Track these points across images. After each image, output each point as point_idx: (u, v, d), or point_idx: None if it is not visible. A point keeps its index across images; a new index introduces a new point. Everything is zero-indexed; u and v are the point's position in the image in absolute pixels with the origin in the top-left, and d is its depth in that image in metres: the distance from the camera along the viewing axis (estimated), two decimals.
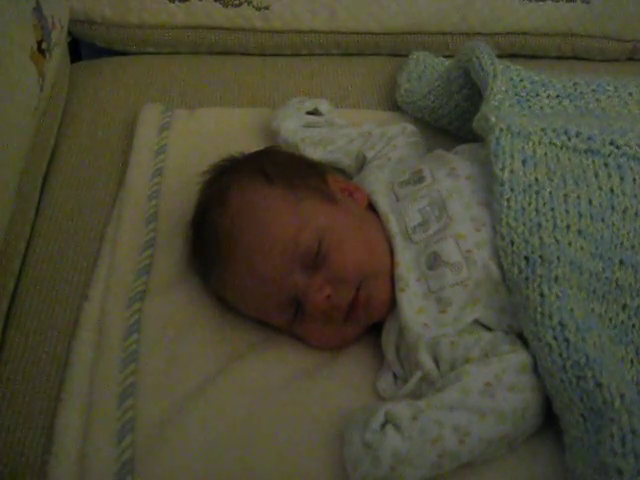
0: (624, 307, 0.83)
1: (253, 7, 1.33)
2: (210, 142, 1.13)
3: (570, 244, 0.82)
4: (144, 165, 1.11)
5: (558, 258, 0.80)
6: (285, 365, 0.88)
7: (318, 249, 0.86)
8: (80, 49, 1.45)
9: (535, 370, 0.79)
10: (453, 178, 0.93)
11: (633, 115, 1.02)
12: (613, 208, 0.86)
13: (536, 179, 0.87)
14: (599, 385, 0.72)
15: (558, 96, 1.03)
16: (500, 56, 1.04)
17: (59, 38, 1.15)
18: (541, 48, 1.38)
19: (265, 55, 1.37)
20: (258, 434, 0.81)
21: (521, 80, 1.02)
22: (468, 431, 0.74)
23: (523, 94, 1.01)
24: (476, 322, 0.84)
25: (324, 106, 1.17)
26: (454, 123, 1.13)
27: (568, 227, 0.83)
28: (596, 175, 0.88)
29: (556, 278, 0.79)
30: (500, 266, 0.84)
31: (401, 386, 0.83)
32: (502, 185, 0.86)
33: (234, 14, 1.33)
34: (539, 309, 0.78)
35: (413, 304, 0.86)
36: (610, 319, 0.82)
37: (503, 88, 0.97)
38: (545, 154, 0.89)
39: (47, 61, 1.08)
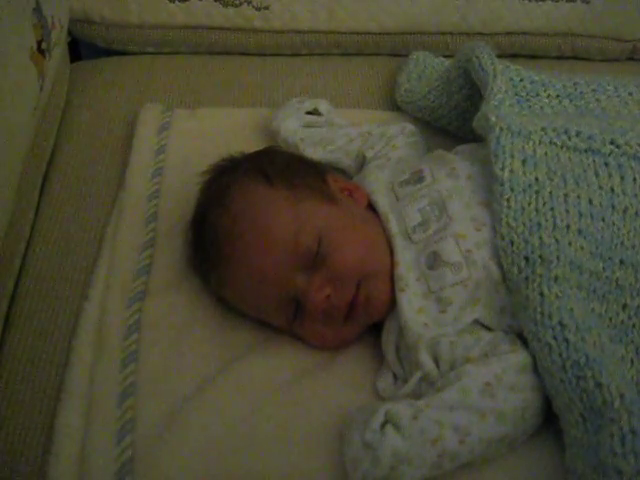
0: (624, 307, 0.83)
1: (253, 7, 1.33)
2: (210, 142, 1.13)
3: (570, 244, 0.82)
4: (144, 165, 1.11)
5: (558, 258, 0.80)
6: (285, 365, 0.88)
7: (318, 249, 0.86)
8: (80, 49, 1.45)
9: (535, 370, 0.79)
10: (453, 178, 0.93)
11: (633, 115, 1.02)
12: (613, 207, 0.86)
13: (536, 179, 0.87)
14: (599, 385, 0.72)
15: (558, 96, 1.03)
16: (500, 56, 1.04)
17: (59, 38, 1.15)
18: (541, 48, 1.38)
19: (265, 55, 1.37)
20: (258, 434, 0.81)
21: (521, 80, 1.02)
22: (468, 431, 0.74)
23: (523, 94, 1.01)
24: (476, 322, 0.84)
25: (324, 106, 1.17)
26: (454, 123, 1.13)
27: (568, 227, 0.83)
28: (596, 174, 0.88)
29: (556, 278, 0.79)
30: (500, 266, 0.84)
31: (401, 386, 0.83)
32: (502, 185, 0.86)
33: (234, 14, 1.33)
34: (539, 309, 0.78)
35: (413, 304, 0.86)
36: (610, 319, 0.82)
37: (503, 88, 0.97)
38: (545, 154, 0.89)
39: (47, 61, 1.08)
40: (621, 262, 0.84)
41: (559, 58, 1.40)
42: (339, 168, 1.11)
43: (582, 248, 0.83)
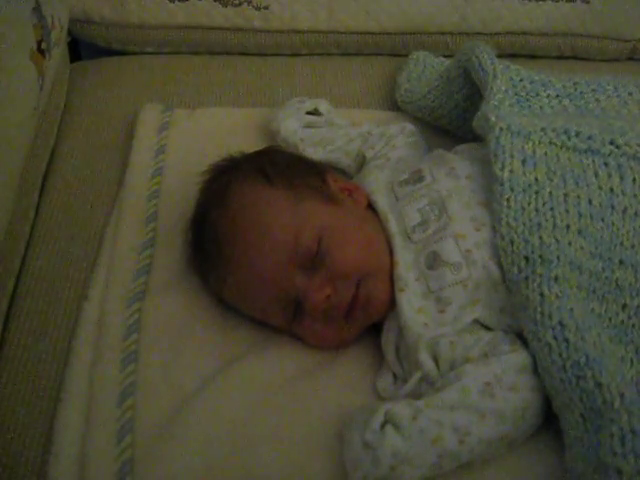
0: (624, 307, 0.83)
1: (253, 7, 1.33)
2: (210, 142, 1.13)
3: (570, 244, 0.82)
4: (144, 165, 1.11)
5: (558, 258, 0.80)
6: (285, 365, 0.88)
7: (318, 249, 0.86)
8: (80, 49, 1.45)
9: (535, 370, 0.79)
10: (453, 178, 0.93)
11: (633, 115, 1.02)
12: (613, 208, 0.86)
13: (536, 179, 0.87)
14: (599, 385, 0.72)
15: (558, 96, 1.03)
16: (500, 56, 1.04)
17: (59, 38, 1.15)
18: (541, 48, 1.38)
19: (265, 55, 1.37)
20: (258, 434, 0.81)
21: (521, 80, 1.02)
22: (468, 431, 0.74)
23: (523, 94, 1.01)
24: (476, 322, 0.84)
25: (324, 106, 1.17)
26: (454, 123, 1.13)
27: (568, 227, 0.83)
28: (596, 175, 0.88)
29: (556, 278, 0.79)
30: (500, 266, 0.84)
31: (401, 386, 0.83)
32: (502, 185, 0.86)
33: (234, 14, 1.33)
34: (539, 309, 0.78)
35: (413, 304, 0.86)
36: (610, 319, 0.82)
37: (503, 88, 0.97)
38: (545, 154, 0.89)
39: (47, 61, 1.08)
40: (620, 262, 0.84)
41: (559, 58, 1.40)
42: (339, 168, 1.11)
43: (582, 248, 0.83)
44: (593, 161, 0.89)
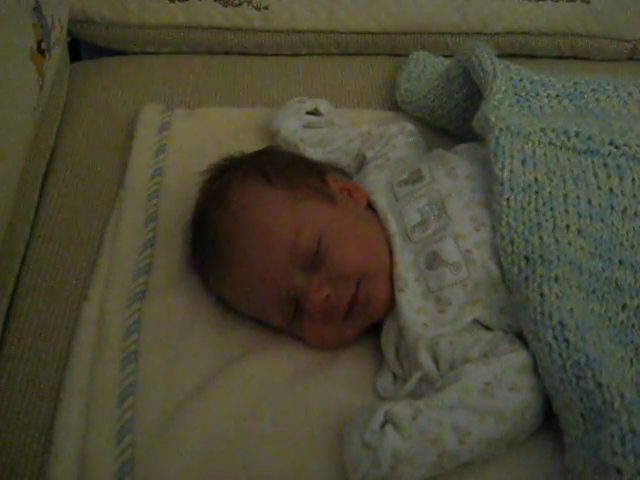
0: (624, 307, 0.83)
1: (253, 7, 1.33)
2: (210, 142, 1.14)
3: (570, 244, 0.82)
4: (144, 165, 1.11)
5: (558, 258, 0.80)
6: (285, 365, 0.88)
7: (317, 249, 0.86)
8: (80, 49, 1.45)
9: (535, 370, 0.79)
10: (452, 178, 0.93)
11: (633, 115, 1.02)
12: (612, 208, 0.86)
13: (535, 179, 0.87)
14: (599, 385, 0.72)
15: (558, 96, 1.03)
16: (500, 56, 1.04)
17: (59, 38, 1.15)
18: (541, 48, 1.38)
19: (265, 55, 1.37)
20: (258, 434, 0.81)
21: (521, 80, 1.02)
22: (468, 431, 0.74)
23: (523, 94, 1.01)
24: (476, 322, 0.84)
25: (324, 106, 1.17)
26: (454, 123, 1.13)
27: (568, 227, 0.83)
28: (595, 175, 0.88)
29: (556, 278, 0.79)
30: (499, 266, 0.84)
31: (401, 386, 0.83)
32: (502, 185, 0.86)
33: (234, 14, 1.33)
34: (539, 309, 0.78)
35: (412, 304, 0.86)
36: (610, 319, 0.82)
37: (503, 88, 0.97)
38: (544, 154, 0.89)
39: (47, 61, 1.08)
40: (620, 262, 0.84)
41: (559, 58, 1.40)
42: (339, 168, 1.11)
43: (582, 248, 0.83)
44: (592, 161, 0.89)
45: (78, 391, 0.85)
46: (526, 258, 0.82)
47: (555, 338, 0.76)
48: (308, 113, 1.16)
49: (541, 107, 1.01)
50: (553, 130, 0.90)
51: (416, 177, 0.95)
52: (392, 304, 0.87)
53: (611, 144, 0.90)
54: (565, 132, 0.90)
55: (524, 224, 0.84)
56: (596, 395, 0.71)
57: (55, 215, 1.07)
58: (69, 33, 1.32)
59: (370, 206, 0.96)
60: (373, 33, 1.35)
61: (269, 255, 0.86)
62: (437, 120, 1.15)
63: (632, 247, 0.85)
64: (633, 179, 0.88)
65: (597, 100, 1.03)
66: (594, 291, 0.82)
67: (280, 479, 0.78)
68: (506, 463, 0.78)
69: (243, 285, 0.89)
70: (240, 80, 1.31)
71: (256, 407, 0.84)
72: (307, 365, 0.89)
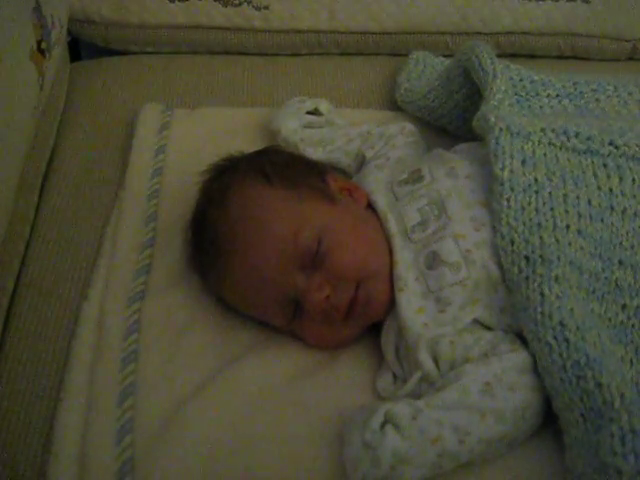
0: (623, 307, 0.83)
1: (253, 7, 1.33)
2: (210, 142, 1.13)
3: (570, 244, 0.82)
4: (144, 165, 1.11)
5: (558, 258, 0.80)
6: (285, 365, 0.88)
7: (317, 249, 0.86)
8: (80, 49, 1.45)
9: (535, 370, 0.79)
10: (452, 177, 0.93)
11: (633, 115, 1.03)
12: (612, 208, 0.86)
13: (535, 179, 0.87)
14: (599, 385, 0.72)
15: (558, 95, 1.03)
16: (500, 56, 1.04)
17: (59, 38, 1.15)
18: (541, 48, 1.38)
19: (265, 55, 1.37)
20: (258, 434, 0.81)
21: (521, 80, 1.02)
22: (468, 431, 0.74)
23: (523, 94, 1.01)
24: (476, 322, 0.84)
25: (324, 106, 1.17)
26: (454, 122, 1.13)
27: (568, 227, 0.83)
28: (595, 175, 0.88)
29: (556, 278, 0.79)
30: (499, 266, 0.84)
31: (401, 386, 0.83)
32: (502, 185, 0.86)
33: (234, 14, 1.33)
34: (539, 309, 0.78)
35: (412, 304, 0.85)
36: (609, 319, 0.82)
37: (503, 88, 0.97)
38: (544, 154, 0.89)
39: (47, 61, 1.08)
40: (620, 262, 0.84)
41: (559, 58, 1.40)
42: (339, 168, 1.11)
43: (582, 248, 0.83)
44: (592, 162, 0.89)
45: (78, 391, 0.85)
46: (526, 258, 0.82)
47: (555, 338, 0.76)
48: (308, 113, 1.16)
49: (541, 107, 1.01)
50: (553, 130, 0.90)
51: (416, 177, 0.95)
52: (392, 304, 0.87)
53: (611, 144, 0.90)
54: (565, 132, 0.90)
55: (524, 224, 0.84)
56: (596, 395, 0.71)
57: (55, 215, 1.07)
58: (69, 33, 1.32)
59: (370, 206, 0.96)
60: (373, 33, 1.35)
61: (269, 255, 0.86)
62: (437, 120, 1.15)
63: (632, 247, 0.85)
64: (633, 179, 0.88)
65: (597, 100, 1.03)
66: (594, 291, 0.82)
67: (280, 479, 0.78)
68: (506, 463, 0.78)
69: (243, 285, 0.89)
70: (240, 80, 1.31)
71: (256, 407, 0.84)
72: (307, 365, 0.89)
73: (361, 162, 1.09)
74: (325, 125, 1.15)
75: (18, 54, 0.98)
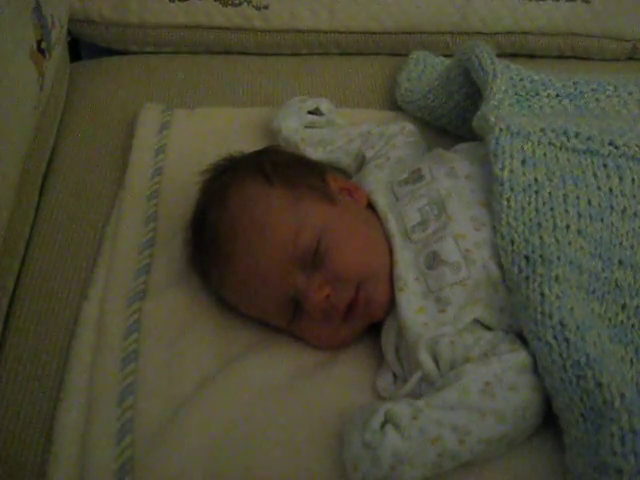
0: (623, 307, 0.83)
1: (252, 6, 1.33)
2: (210, 142, 1.13)
3: (570, 244, 0.82)
4: (144, 165, 1.11)
5: (558, 258, 0.80)
6: (285, 365, 0.88)
7: (317, 249, 0.86)
8: (80, 49, 1.45)
9: (535, 370, 0.79)
10: (452, 177, 0.93)
11: (633, 115, 1.03)
12: (612, 208, 0.86)
13: (535, 179, 0.87)
14: (599, 385, 0.72)
15: (558, 95, 1.03)
16: (500, 56, 1.04)
17: (59, 37, 1.15)
18: (541, 48, 1.38)
19: (265, 55, 1.37)
20: (258, 434, 0.81)
21: (521, 79, 1.02)
22: (468, 431, 0.74)
23: (523, 93, 1.01)
24: (476, 321, 0.84)
25: (325, 105, 1.17)
26: (454, 122, 1.13)
27: (568, 227, 0.83)
28: (595, 175, 0.88)
29: (556, 278, 0.79)
30: (500, 266, 0.84)
31: (401, 386, 0.83)
32: (502, 185, 0.86)
33: (234, 14, 1.33)
34: (539, 309, 0.78)
35: (412, 303, 0.85)
36: (609, 319, 0.82)
37: (503, 87, 0.97)
38: (544, 154, 0.89)
39: (47, 60, 1.08)
40: (620, 262, 0.84)
41: (559, 58, 1.40)
42: (339, 168, 1.11)
43: (582, 248, 0.83)
44: (592, 162, 0.89)
45: (78, 391, 0.85)
46: (526, 258, 0.82)
47: (555, 338, 0.76)
48: (309, 113, 1.16)
49: (541, 107, 1.01)
50: (553, 130, 0.90)
51: (416, 177, 0.95)
52: (392, 304, 0.87)
53: (611, 144, 0.90)
54: (565, 132, 0.90)
55: (524, 224, 0.84)
56: (596, 395, 0.71)
57: (55, 215, 1.07)
58: (69, 33, 1.32)
59: (370, 206, 0.96)
60: (373, 33, 1.35)
61: (269, 255, 0.86)
62: (437, 120, 1.15)
63: (632, 247, 0.85)
64: (633, 179, 0.88)
65: (597, 100, 1.03)
66: (594, 291, 0.82)
67: (280, 479, 0.78)
68: (506, 463, 0.78)
69: (243, 285, 0.89)
70: (240, 80, 1.31)
71: (256, 407, 0.84)
72: (307, 365, 0.89)
73: (361, 162, 1.09)
74: (326, 125, 1.15)
75: (18, 54, 0.98)
